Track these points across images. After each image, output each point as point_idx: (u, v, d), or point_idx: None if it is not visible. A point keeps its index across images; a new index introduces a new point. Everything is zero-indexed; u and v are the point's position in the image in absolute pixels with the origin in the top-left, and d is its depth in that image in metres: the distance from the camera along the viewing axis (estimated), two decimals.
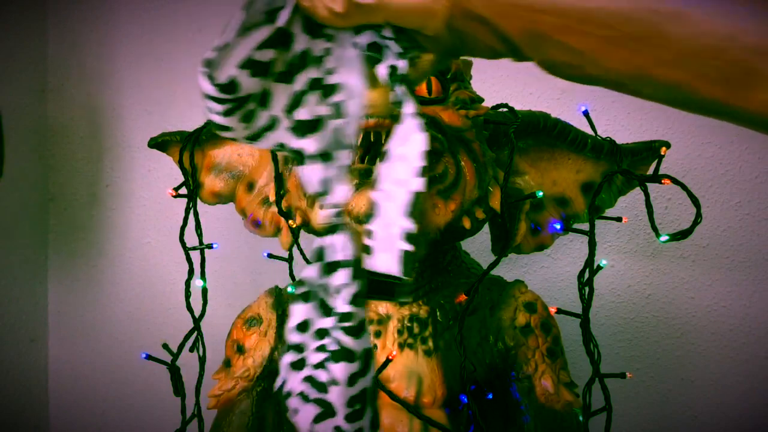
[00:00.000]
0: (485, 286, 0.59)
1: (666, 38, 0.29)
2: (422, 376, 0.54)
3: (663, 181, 0.55)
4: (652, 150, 0.60)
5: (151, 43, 0.97)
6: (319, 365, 0.37)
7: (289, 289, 0.59)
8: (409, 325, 0.56)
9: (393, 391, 0.53)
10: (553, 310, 0.60)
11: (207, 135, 0.65)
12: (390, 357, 0.53)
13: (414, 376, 0.54)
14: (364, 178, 0.49)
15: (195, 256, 0.64)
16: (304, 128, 0.37)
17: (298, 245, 0.58)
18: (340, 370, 0.36)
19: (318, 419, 0.37)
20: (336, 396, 0.36)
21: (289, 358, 0.38)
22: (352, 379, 0.36)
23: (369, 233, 0.36)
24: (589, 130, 0.61)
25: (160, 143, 0.66)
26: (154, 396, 0.99)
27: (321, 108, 0.37)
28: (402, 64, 0.35)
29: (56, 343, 1.04)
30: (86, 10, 0.99)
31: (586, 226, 0.58)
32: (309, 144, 0.37)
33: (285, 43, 0.36)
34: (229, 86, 0.35)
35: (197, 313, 0.64)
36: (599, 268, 0.58)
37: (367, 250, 0.36)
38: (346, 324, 0.36)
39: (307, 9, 0.35)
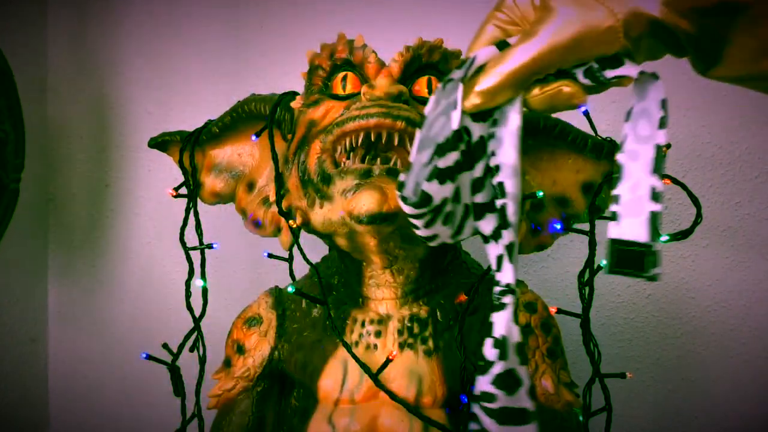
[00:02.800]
0: (485, 286, 0.59)
1: None
2: (422, 376, 0.54)
3: (663, 181, 0.55)
4: None
5: (151, 43, 0.97)
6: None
7: (289, 289, 0.59)
8: (409, 325, 0.56)
9: (393, 391, 0.53)
10: (553, 310, 0.60)
11: (207, 135, 0.65)
12: (390, 357, 0.53)
13: (414, 376, 0.54)
14: (364, 179, 0.49)
15: (195, 256, 0.64)
16: (480, 211, 0.38)
17: (299, 245, 0.58)
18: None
19: None
20: None
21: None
22: None
23: (616, 198, 0.35)
24: (589, 130, 0.61)
25: (160, 143, 0.66)
26: (154, 396, 0.99)
27: (490, 190, 0.38)
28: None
29: (56, 343, 1.04)
30: (86, 9, 0.99)
31: (586, 226, 0.58)
32: (485, 225, 0.38)
33: (462, 139, 0.36)
34: (423, 201, 0.36)
35: (197, 313, 0.63)
36: (599, 268, 0.58)
37: (613, 216, 0.35)
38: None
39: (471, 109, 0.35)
